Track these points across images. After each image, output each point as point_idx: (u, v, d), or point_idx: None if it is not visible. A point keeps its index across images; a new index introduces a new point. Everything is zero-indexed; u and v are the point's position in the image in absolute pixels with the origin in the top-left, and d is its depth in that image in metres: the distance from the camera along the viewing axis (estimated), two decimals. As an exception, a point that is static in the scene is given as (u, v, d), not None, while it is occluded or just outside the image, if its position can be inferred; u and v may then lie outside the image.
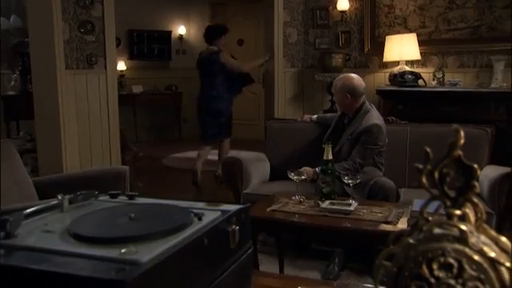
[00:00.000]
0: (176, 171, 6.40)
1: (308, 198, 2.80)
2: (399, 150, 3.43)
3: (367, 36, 4.97)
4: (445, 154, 0.67)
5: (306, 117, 3.96)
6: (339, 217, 2.53)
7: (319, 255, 3.25)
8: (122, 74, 8.02)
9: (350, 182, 2.71)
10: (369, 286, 1.24)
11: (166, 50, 8.84)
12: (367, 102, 3.37)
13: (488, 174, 3.07)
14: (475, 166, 0.64)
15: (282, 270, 2.94)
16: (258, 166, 3.68)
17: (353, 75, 3.42)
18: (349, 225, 2.47)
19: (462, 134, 0.65)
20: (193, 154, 7.28)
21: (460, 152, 0.65)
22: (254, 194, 3.30)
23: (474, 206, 0.67)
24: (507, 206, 2.88)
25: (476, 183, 0.65)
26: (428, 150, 0.67)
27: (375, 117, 3.29)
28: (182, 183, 5.75)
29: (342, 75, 3.53)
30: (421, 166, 0.67)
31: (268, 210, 2.67)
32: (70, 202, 1.10)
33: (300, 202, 2.76)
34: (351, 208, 2.57)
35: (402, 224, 2.38)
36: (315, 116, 3.88)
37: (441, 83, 4.49)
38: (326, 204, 2.63)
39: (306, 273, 3.00)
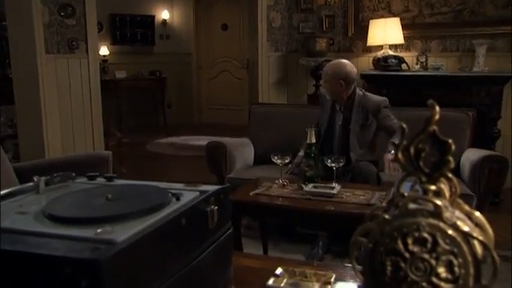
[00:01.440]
0: (160, 157, 6.37)
1: (291, 182, 2.81)
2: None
3: (351, 20, 4.95)
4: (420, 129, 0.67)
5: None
6: (322, 200, 2.54)
7: (303, 239, 3.27)
8: (104, 59, 7.90)
9: (333, 165, 2.72)
10: (349, 265, 1.25)
11: (150, 34, 8.72)
12: (357, 88, 3.30)
13: (469, 156, 3.11)
14: (450, 140, 0.64)
15: (266, 253, 2.96)
16: (242, 151, 3.67)
17: (344, 61, 3.26)
18: (332, 208, 2.47)
19: (438, 109, 0.65)
20: (177, 139, 7.27)
21: (435, 127, 0.65)
22: (238, 179, 3.30)
23: (449, 181, 0.67)
24: (487, 187, 2.93)
25: (451, 158, 0.65)
26: (404, 125, 0.67)
27: (374, 96, 3.28)
28: (166, 169, 5.73)
29: (333, 61, 3.37)
30: (397, 141, 0.67)
31: (251, 193, 2.67)
32: (47, 184, 1.08)
33: (283, 185, 2.77)
34: (334, 191, 2.58)
35: (385, 206, 2.40)
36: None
37: (424, 67, 4.50)
38: (309, 187, 2.64)
39: (290, 256, 3.01)
